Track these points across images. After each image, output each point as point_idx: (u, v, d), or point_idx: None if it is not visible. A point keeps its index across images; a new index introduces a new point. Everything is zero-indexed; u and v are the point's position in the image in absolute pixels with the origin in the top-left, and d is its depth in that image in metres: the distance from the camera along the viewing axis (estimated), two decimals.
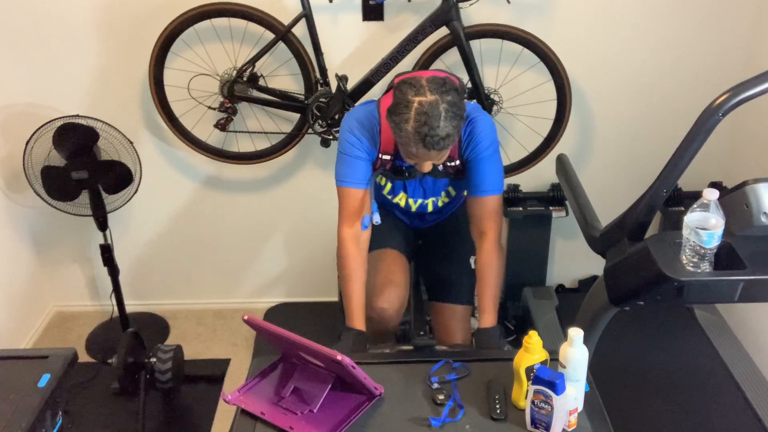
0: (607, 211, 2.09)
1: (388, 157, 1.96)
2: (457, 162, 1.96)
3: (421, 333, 2.11)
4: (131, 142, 2.59)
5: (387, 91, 1.99)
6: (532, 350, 1.49)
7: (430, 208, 2.12)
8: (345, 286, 1.94)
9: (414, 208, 2.12)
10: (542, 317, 2.89)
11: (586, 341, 1.48)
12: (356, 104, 2.55)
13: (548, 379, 1.39)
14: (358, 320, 1.90)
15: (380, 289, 2.03)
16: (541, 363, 1.49)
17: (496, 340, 1.85)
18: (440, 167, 1.97)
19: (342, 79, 2.51)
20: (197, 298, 3.22)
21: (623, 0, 2.59)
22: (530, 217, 2.87)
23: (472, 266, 2.07)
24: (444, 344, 2.07)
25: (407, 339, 2.21)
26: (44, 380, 1.61)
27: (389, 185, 2.09)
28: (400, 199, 2.11)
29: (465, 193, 2.05)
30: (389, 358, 1.79)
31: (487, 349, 1.82)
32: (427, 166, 1.82)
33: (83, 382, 2.75)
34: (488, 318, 1.88)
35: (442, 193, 2.09)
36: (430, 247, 2.27)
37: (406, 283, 2.12)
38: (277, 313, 3.17)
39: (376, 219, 2.06)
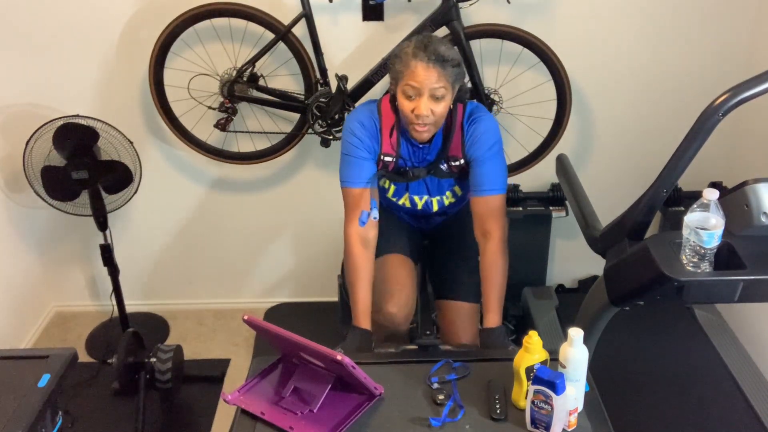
0: (607, 211, 2.09)
1: (390, 159, 1.96)
2: (462, 161, 1.96)
3: (428, 333, 2.11)
4: (131, 142, 2.59)
5: (387, 92, 2.00)
6: (532, 350, 1.49)
7: (435, 208, 2.12)
8: (351, 286, 1.95)
9: (420, 205, 2.11)
10: (542, 317, 2.89)
11: (586, 341, 1.48)
12: (356, 104, 2.56)
13: (548, 379, 1.39)
14: (364, 320, 1.91)
15: (388, 295, 2.03)
16: (541, 363, 1.49)
17: (501, 340, 1.85)
18: (444, 166, 1.97)
19: (342, 79, 2.51)
20: (197, 298, 3.22)
21: (623, 0, 2.59)
22: (530, 217, 2.87)
23: None
24: (450, 344, 2.06)
25: (412, 339, 2.20)
26: (44, 380, 1.61)
27: (393, 188, 2.09)
28: (405, 200, 2.11)
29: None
30: (389, 358, 1.78)
31: (491, 349, 1.82)
32: (425, 107, 1.79)
33: (83, 382, 2.75)
34: (493, 318, 1.89)
35: (448, 193, 2.09)
36: (438, 247, 2.27)
37: (413, 286, 2.13)
38: (277, 313, 3.17)
39: (374, 215, 2.05)
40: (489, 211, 1.94)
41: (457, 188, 2.09)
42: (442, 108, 1.82)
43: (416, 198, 2.09)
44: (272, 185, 2.95)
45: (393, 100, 1.92)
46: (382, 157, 1.96)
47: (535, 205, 2.89)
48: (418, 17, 2.52)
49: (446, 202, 2.11)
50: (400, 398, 1.59)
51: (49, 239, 3.03)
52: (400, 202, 2.11)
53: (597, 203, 2.20)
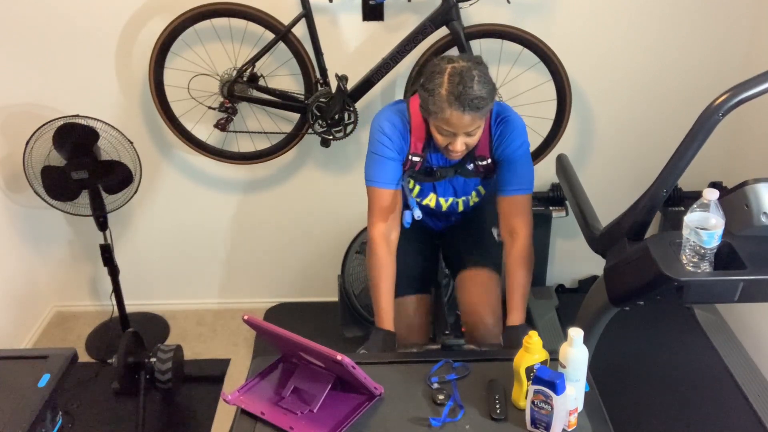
0: (607, 211, 2.09)
1: (417, 159, 1.95)
2: (489, 160, 1.96)
3: (447, 332, 2.11)
4: (131, 142, 2.59)
5: (414, 93, 1.99)
6: (532, 350, 1.49)
7: (461, 208, 2.11)
8: (375, 287, 1.95)
9: (445, 207, 2.10)
10: (542, 317, 2.90)
11: (586, 341, 1.48)
12: (356, 104, 2.56)
13: (548, 379, 1.39)
14: (387, 321, 1.91)
15: (405, 336, 2.04)
16: (541, 363, 1.49)
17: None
18: (470, 166, 1.97)
19: (342, 79, 2.51)
20: (197, 298, 3.22)
21: (623, 0, 2.59)
22: None
23: (496, 238, 2.07)
24: (474, 321, 2.04)
25: (434, 339, 2.20)
26: (44, 380, 1.62)
27: (417, 188, 2.07)
28: (430, 200, 2.09)
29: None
30: (389, 359, 1.78)
31: (515, 348, 1.82)
32: (460, 144, 1.79)
33: (83, 382, 2.75)
34: (516, 316, 1.88)
35: (473, 193, 2.08)
36: (452, 234, 2.26)
37: (428, 321, 2.14)
38: (277, 313, 3.17)
39: (417, 214, 2.05)
40: (516, 210, 1.94)
41: (481, 188, 2.09)
42: (476, 138, 1.82)
43: (442, 200, 2.09)
44: (272, 185, 2.95)
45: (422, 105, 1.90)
46: (410, 157, 1.95)
47: (535, 205, 2.88)
48: (418, 17, 2.52)
49: (471, 202, 2.11)
50: (400, 398, 1.59)
51: (49, 239, 3.03)
52: (424, 203, 2.10)
53: (597, 203, 2.21)
